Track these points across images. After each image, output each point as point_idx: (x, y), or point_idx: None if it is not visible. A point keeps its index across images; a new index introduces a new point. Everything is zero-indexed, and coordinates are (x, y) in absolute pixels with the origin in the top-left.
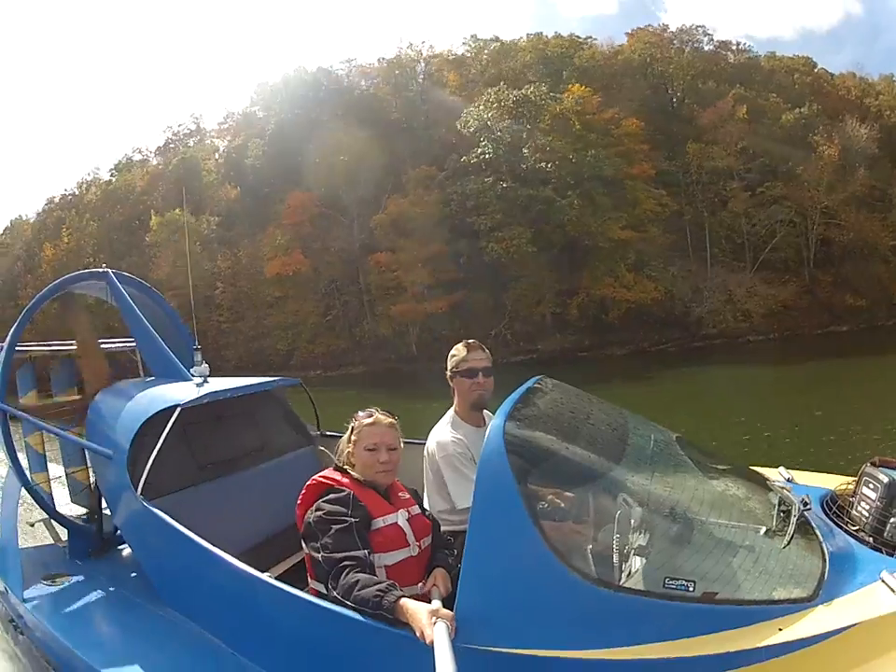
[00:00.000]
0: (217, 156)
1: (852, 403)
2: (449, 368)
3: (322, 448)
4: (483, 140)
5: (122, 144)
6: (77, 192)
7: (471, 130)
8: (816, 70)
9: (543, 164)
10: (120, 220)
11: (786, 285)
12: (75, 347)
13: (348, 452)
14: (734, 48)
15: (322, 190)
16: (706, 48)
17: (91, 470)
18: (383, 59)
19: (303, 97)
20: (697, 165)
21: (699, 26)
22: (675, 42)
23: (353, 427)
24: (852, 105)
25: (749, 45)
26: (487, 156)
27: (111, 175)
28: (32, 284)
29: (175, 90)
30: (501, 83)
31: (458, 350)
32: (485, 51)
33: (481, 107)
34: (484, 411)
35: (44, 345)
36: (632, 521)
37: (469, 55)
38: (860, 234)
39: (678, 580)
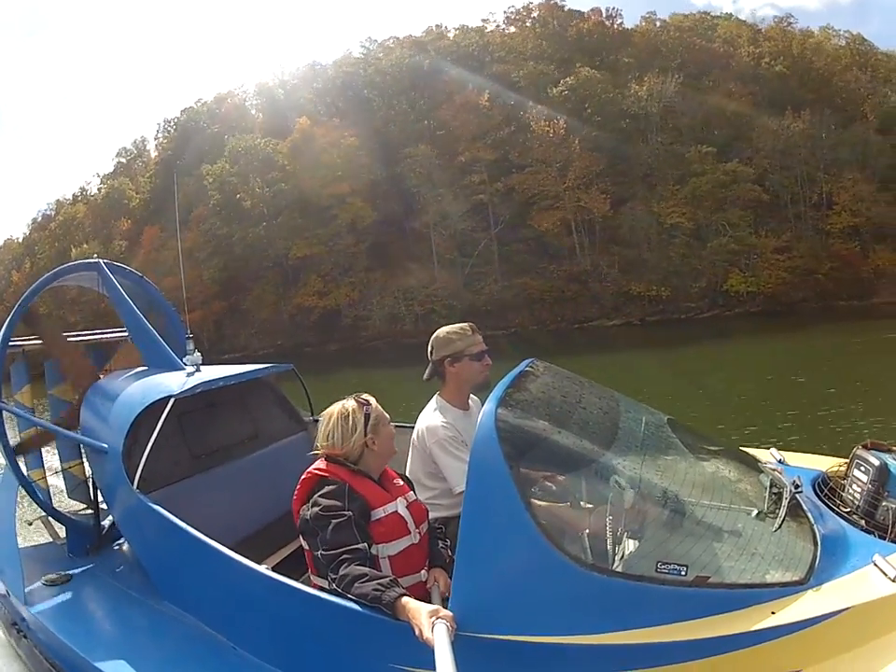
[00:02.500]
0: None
1: None
2: (451, 352)
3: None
4: None
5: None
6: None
7: None
8: None
9: None
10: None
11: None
12: (70, 341)
13: (366, 441)
14: None
15: None
16: None
17: (86, 465)
18: None
19: None
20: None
21: None
22: None
23: (367, 416)
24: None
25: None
26: None
27: (71, 202)
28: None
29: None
30: None
31: (464, 333)
32: None
33: None
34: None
35: (36, 340)
36: (625, 505)
37: None
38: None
39: (670, 564)
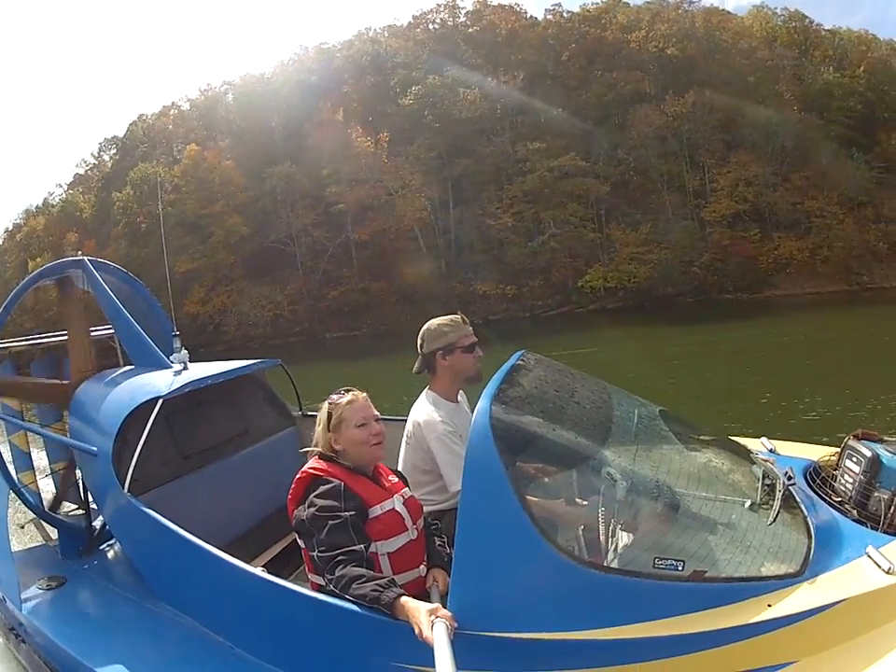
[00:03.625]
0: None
1: None
2: (442, 344)
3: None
4: None
5: None
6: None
7: None
8: None
9: None
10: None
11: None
12: (54, 340)
13: (329, 439)
14: None
15: None
16: None
17: (72, 466)
18: None
19: None
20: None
21: None
22: None
23: (329, 414)
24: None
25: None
26: None
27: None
28: None
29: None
30: None
31: (455, 324)
32: None
33: None
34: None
35: (23, 340)
36: (621, 501)
37: None
38: None
39: (667, 559)
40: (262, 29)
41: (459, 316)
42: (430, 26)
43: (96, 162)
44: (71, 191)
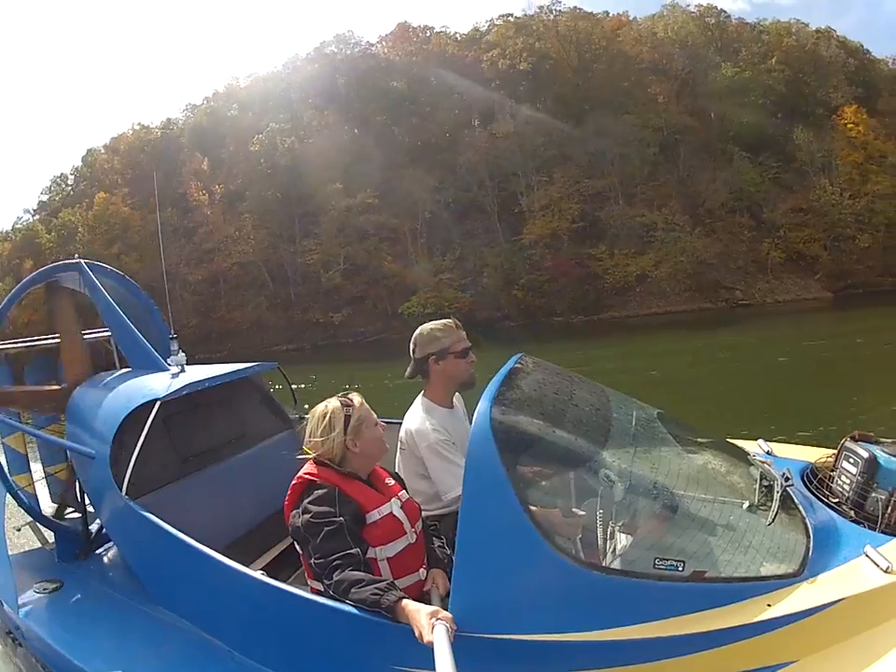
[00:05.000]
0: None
1: None
2: (436, 349)
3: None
4: None
5: None
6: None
7: None
8: None
9: None
10: None
11: None
12: (50, 342)
13: (346, 441)
14: None
15: None
16: None
17: (72, 469)
18: None
19: None
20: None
21: None
22: None
23: (347, 417)
24: None
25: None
26: None
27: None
28: None
29: None
30: None
31: (448, 329)
32: None
33: None
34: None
35: (19, 342)
36: (621, 503)
37: None
38: None
39: (667, 560)
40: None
41: (452, 321)
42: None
43: (57, 188)
44: (36, 217)
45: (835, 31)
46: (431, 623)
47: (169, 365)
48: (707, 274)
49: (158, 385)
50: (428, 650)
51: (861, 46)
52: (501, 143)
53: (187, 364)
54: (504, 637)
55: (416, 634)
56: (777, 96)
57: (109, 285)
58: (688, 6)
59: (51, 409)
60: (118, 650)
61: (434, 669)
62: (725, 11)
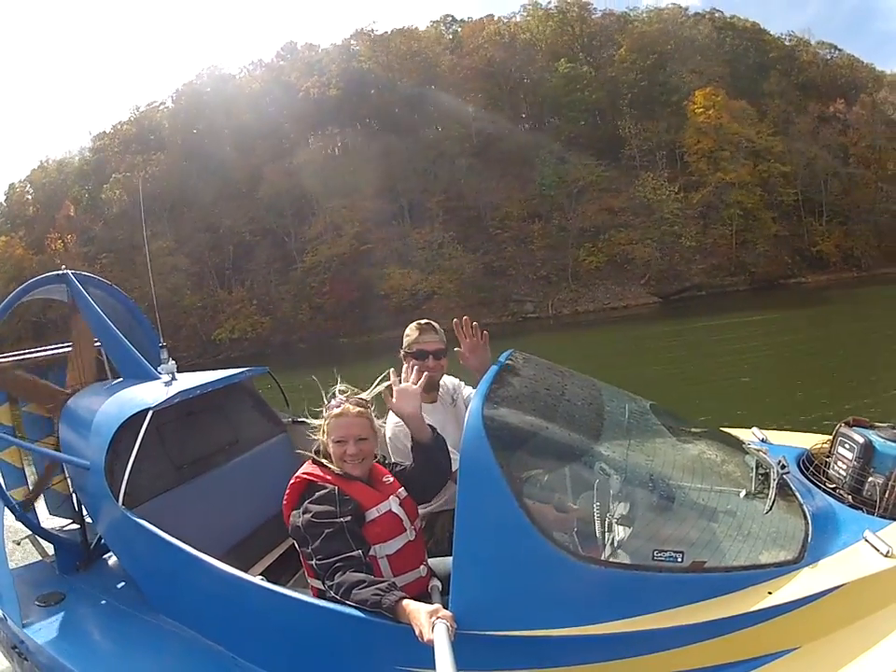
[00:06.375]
0: None
1: None
2: (403, 347)
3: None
4: None
5: None
6: None
7: None
8: None
9: None
10: None
11: None
12: (52, 353)
13: (323, 443)
14: None
15: None
16: None
17: (69, 481)
18: None
19: None
20: None
21: None
22: None
23: (324, 419)
24: None
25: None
26: None
27: None
28: None
29: None
30: None
31: (411, 331)
32: None
33: None
34: (445, 380)
35: (34, 351)
36: (618, 496)
37: None
38: None
39: (666, 551)
40: None
41: (425, 323)
42: None
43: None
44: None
45: (723, 12)
46: (431, 622)
47: (160, 373)
48: (501, 288)
49: (149, 394)
50: (430, 649)
51: (756, 25)
52: (303, 170)
53: (177, 371)
54: (504, 633)
55: (417, 633)
56: (626, 88)
57: (97, 295)
58: (549, 3)
59: (46, 408)
60: (122, 660)
61: (435, 669)
62: (592, 3)
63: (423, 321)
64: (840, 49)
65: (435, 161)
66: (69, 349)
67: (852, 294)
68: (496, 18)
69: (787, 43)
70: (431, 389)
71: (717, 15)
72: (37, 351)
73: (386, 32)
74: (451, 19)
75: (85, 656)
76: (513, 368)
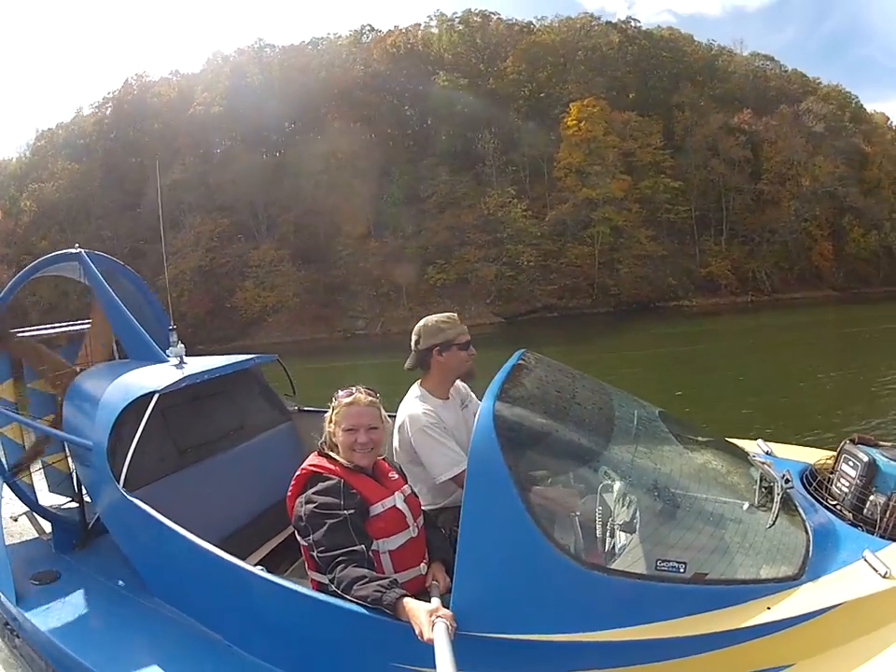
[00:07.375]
0: None
1: None
2: (440, 341)
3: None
4: None
5: None
6: None
7: None
8: None
9: None
10: None
11: None
12: (71, 329)
13: (330, 433)
14: None
15: None
16: None
17: (70, 459)
18: None
19: None
20: None
21: None
22: None
23: (333, 408)
24: None
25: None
26: None
27: None
28: None
29: None
30: None
31: (452, 322)
32: None
33: None
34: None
35: (51, 327)
36: (623, 502)
37: None
38: None
39: (669, 561)
40: None
41: (455, 315)
42: None
43: None
44: None
45: (639, 22)
46: (431, 621)
47: (168, 356)
48: (341, 304)
49: (157, 376)
50: (429, 648)
51: (676, 33)
52: (180, 185)
53: (186, 355)
54: (504, 636)
55: (416, 631)
56: (510, 99)
57: (110, 274)
58: (455, 14)
59: (53, 384)
60: (115, 641)
61: (435, 667)
62: (498, 14)
63: (449, 314)
64: (775, 60)
65: (297, 178)
66: (88, 326)
67: (727, 321)
68: (403, 28)
69: (711, 53)
70: (472, 377)
71: (632, 24)
72: (58, 326)
73: (276, 47)
74: (369, 27)
75: (78, 636)
76: (525, 368)
